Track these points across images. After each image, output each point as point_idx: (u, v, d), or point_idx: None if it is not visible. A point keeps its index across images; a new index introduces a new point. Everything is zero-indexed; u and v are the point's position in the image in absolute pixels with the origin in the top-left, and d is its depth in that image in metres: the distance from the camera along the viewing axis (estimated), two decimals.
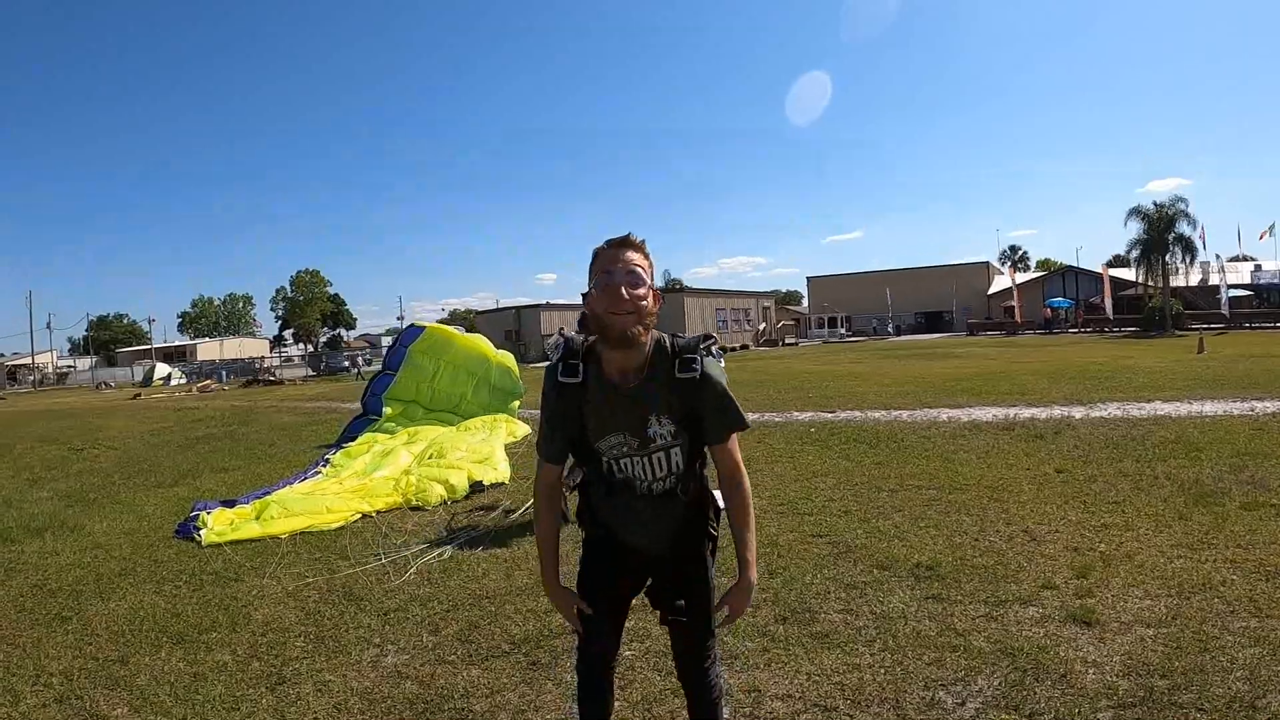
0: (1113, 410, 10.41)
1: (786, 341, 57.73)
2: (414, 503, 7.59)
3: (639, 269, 2.15)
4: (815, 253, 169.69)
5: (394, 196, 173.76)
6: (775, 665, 3.72)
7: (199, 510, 7.33)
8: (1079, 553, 4.96)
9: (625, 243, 2.18)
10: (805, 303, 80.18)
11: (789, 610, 4.33)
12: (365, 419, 11.88)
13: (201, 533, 6.73)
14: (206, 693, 3.79)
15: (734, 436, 2.37)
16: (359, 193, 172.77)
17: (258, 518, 7.08)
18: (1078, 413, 10.39)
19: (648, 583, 2.57)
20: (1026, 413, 10.68)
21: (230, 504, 7.67)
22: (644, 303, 2.14)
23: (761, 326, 59.89)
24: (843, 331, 60.95)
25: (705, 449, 2.41)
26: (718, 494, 2.47)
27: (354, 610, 4.83)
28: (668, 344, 2.27)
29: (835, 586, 4.66)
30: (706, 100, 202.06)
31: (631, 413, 2.27)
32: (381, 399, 12.04)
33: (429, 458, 9.35)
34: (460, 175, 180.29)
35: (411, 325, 13.52)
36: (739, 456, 2.38)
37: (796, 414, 12.03)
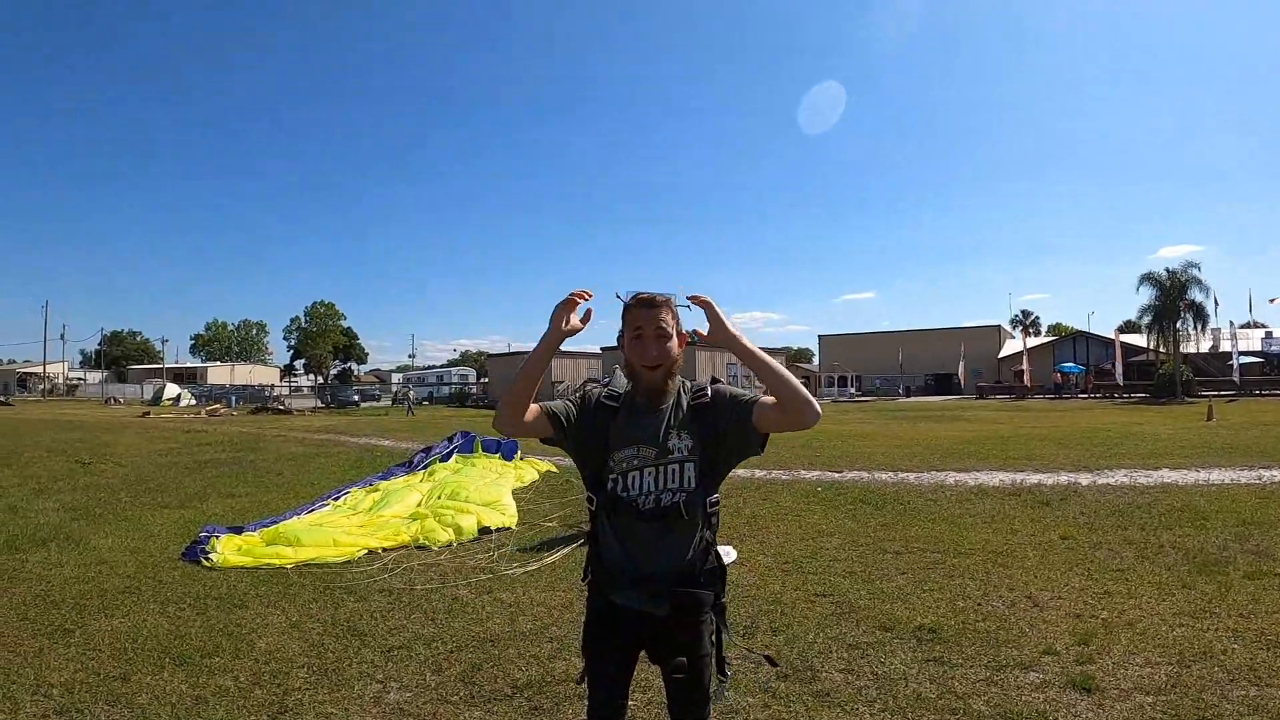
0: (1120, 477, 10.39)
1: None
2: (421, 542, 7.61)
3: (666, 326, 2.46)
4: (828, 311, 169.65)
5: (414, 235, 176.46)
6: None
7: (208, 535, 7.38)
8: (1081, 619, 4.96)
9: (654, 302, 2.48)
10: (816, 360, 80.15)
11: (791, 668, 4.34)
12: (405, 467, 11.93)
13: (211, 556, 6.77)
14: (207, 715, 3.80)
15: (759, 400, 2.47)
16: (379, 228, 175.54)
17: (267, 545, 7.12)
18: (1084, 479, 10.37)
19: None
20: (1034, 478, 10.67)
21: (238, 530, 7.72)
22: (672, 354, 2.48)
23: None
24: (852, 391, 60.81)
25: (716, 480, 2.53)
26: (725, 550, 2.53)
27: (358, 645, 4.84)
28: (687, 384, 2.59)
29: (837, 646, 4.67)
30: (724, 152, 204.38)
31: (655, 427, 2.48)
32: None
33: (438, 498, 9.39)
34: (478, 221, 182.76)
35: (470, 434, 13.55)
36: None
37: (804, 472, 12.02)
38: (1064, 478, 10.58)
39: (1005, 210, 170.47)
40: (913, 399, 52.93)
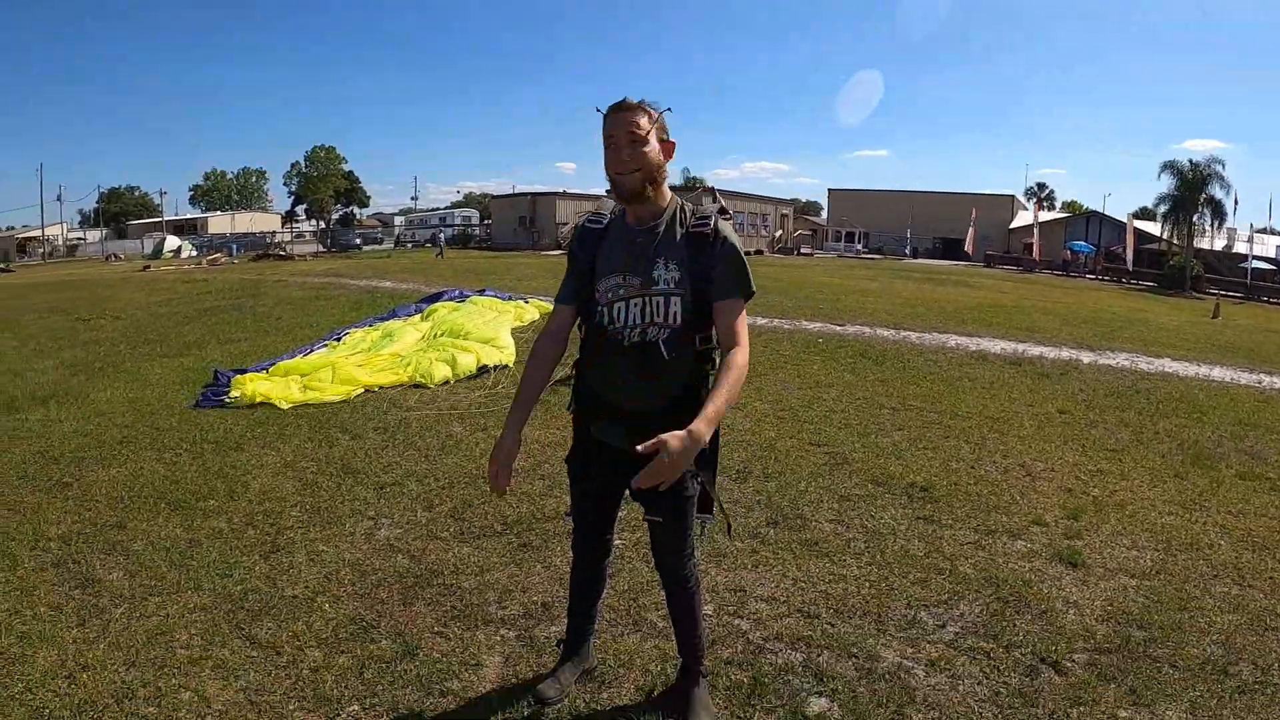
0: (1121, 360, 10.22)
1: (802, 251, 57.00)
2: (418, 380, 7.61)
3: (636, 129, 2.26)
4: (839, 166, 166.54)
5: (416, 72, 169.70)
6: (762, 568, 3.77)
7: (226, 377, 7.58)
8: (1072, 494, 4.96)
9: (623, 105, 2.29)
10: (824, 214, 78.44)
11: (781, 515, 4.38)
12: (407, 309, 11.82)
13: (233, 395, 7.01)
14: (201, 558, 3.86)
15: (741, 309, 2.34)
16: (379, 68, 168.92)
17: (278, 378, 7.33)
18: (1086, 357, 10.21)
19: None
20: (1035, 350, 10.49)
21: (241, 372, 7.77)
22: (649, 158, 2.28)
23: (778, 234, 59.00)
24: (859, 247, 60.07)
25: (709, 329, 2.36)
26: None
27: (350, 483, 4.88)
28: (688, 208, 2.41)
29: (829, 496, 4.70)
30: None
31: (641, 253, 2.35)
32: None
33: (436, 336, 9.35)
34: (483, 53, 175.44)
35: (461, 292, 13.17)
36: (742, 329, 2.32)
37: (806, 323, 11.88)
38: (1065, 353, 10.41)
39: (1030, 76, 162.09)
40: (919, 260, 52.32)
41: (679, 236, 2.34)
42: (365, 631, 3.18)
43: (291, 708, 2.70)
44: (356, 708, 2.69)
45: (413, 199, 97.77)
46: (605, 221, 2.46)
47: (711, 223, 2.33)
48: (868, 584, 3.63)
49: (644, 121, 2.27)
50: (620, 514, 2.71)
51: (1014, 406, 7.22)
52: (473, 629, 3.21)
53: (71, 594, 3.54)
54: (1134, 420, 6.96)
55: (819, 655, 3.04)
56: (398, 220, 77.40)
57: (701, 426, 2.10)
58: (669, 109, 2.34)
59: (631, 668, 2.93)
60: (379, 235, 63.57)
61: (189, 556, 3.89)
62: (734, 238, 2.36)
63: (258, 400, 6.88)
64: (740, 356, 2.27)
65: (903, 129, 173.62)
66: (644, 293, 2.33)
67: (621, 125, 2.27)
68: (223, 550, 3.95)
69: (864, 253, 58.38)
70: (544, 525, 4.18)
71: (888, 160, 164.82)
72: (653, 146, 2.29)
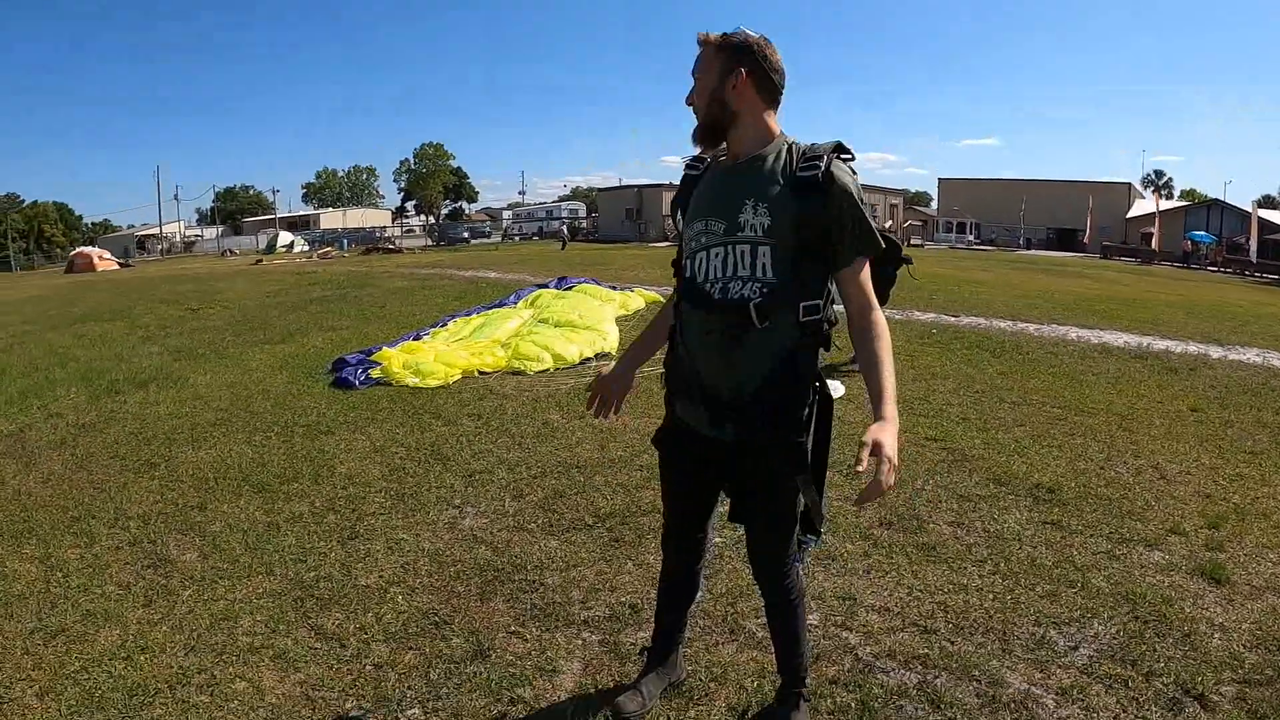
0: (1252, 355, 9.38)
1: (912, 242, 56.19)
2: (516, 366, 7.53)
3: (704, 60, 2.10)
4: (948, 155, 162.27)
5: (520, 67, 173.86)
6: (875, 573, 3.48)
7: (363, 355, 7.95)
8: (1211, 500, 4.48)
9: (698, 42, 2.13)
10: (934, 205, 77.96)
11: (895, 515, 4.07)
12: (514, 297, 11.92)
13: (372, 371, 7.35)
14: (277, 543, 3.81)
15: (865, 267, 2.04)
16: (485, 65, 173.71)
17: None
18: (1215, 352, 9.47)
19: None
20: (1160, 344, 9.89)
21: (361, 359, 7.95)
22: (723, 91, 2.06)
23: (888, 224, 58.14)
24: (971, 238, 59.10)
25: (807, 292, 2.04)
26: (833, 385, 2.11)
27: (439, 469, 4.79)
28: (798, 148, 2.08)
29: (947, 496, 4.39)
30: None
31: (730, 194, 2.07)
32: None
33: (538, 323, 9.29)
34: (589, 49, 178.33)
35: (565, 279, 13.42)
36: (871, 290, 2.03)
37: (918, 314, 11.75)
38: (1193, 348, 9.70)
39: (1145, 59, 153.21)
40: (1033, 251, 51.29)
41: (780, 177, 2.03)
42: (436, 627, 3.02)
43: (349, 705, 2.55)
44: (417, 710, 2.52)
45: (520, 193, 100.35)
46: (704, 166, 2.22)
47: (823, 163, 1.99)
48: (991, 596, 3.29)
49: (713, 51, 2.08)
50: (720, 509, 2.43)
51: (1142, 403, 6.78)
52: (552, 630, 3.00)
53: (143, 573, 3.56)
54: (1272, 421, 6.30)
55: (936, 677, 2.71)
56: (505, 215, 79.16)
57: (892, 410, 1.90)
58: (762, 37, 2.06)
59: (724, 683, 2.65)
60: (487, 229, 65.32)
61: (265, 540, 3.85)
62: (850, 182, 2.01)
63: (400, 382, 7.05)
64: (880, 320, 2.02)
65: (1011, 116, 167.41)
66: (727, 240, 2.04)
67: (699, 60, 2.11)
68: (300, 535, 3.90)
69: (975, 244, 58.00)
70: (639, 520, 3.96)
71: (998, 149, 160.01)
72: (713, 79, 2.06)
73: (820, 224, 1.98)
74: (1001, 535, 3.88)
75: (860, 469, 1.76)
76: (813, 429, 2.09)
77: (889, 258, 8.10)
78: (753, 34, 2.07)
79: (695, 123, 2.13)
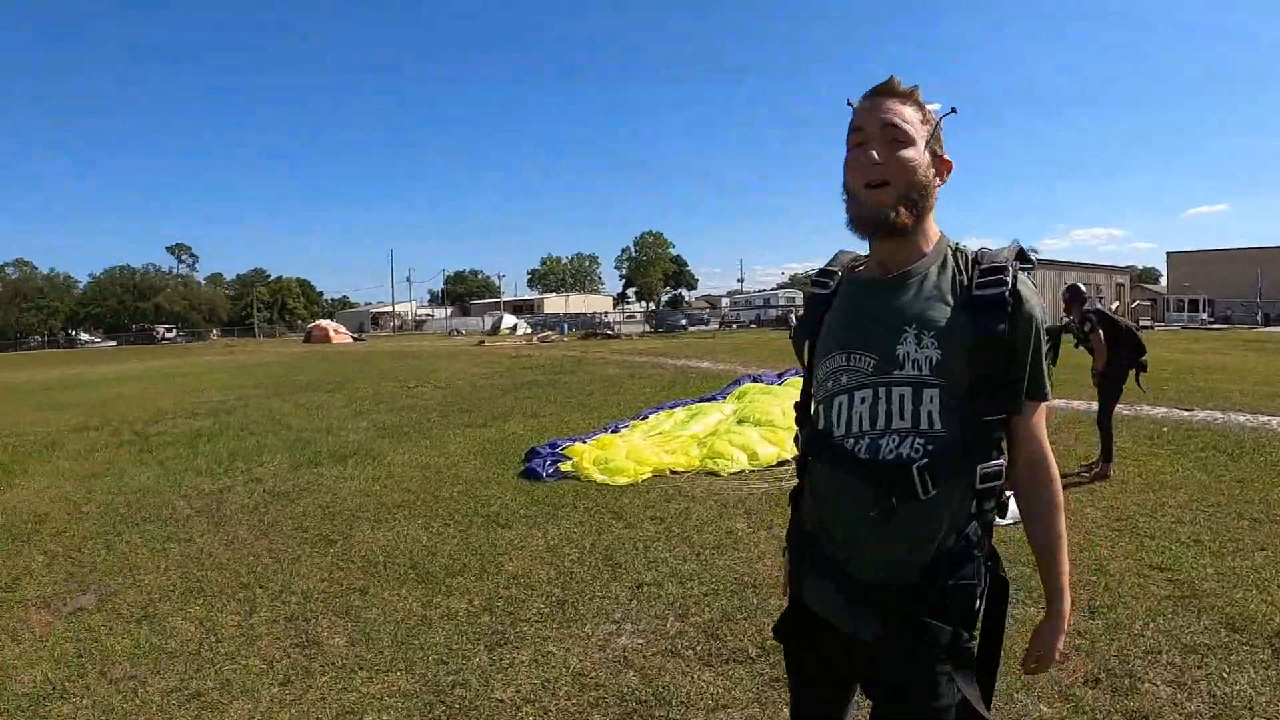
0: None
1: (1142, 323, 51.93)
2: (710, 467, 7.31)
3: (901, 122, 1.58)
4: (1175, 226, 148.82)
5: (740, 158, 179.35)
6: None
7: (551, 449, 7.96)
8: None
9: (885, 90, 1.62)
10: (1163, 281, 73.99)
11: (1104, 669, 3.41)
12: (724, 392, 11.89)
13: (561, 465, 7.43)
14: (425, 639, 3.77)
15: (1041, 411, 1.61)
16: (705, 157, 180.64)
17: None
18: None
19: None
20: None
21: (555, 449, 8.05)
22: (911, 166, 1.57)
23: (1114, 305, 54.40)
24: (1204, 316, 54.62)
25: (983, 440, 1.58)
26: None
27: (607, 577, 4.61)
28: (967, 254, 1.65)
29: (1169, 645, 3.64)
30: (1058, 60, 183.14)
31: (880, 317, 1.61)
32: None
33: (739, 421, 9.06)
34: (810, 141, 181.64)
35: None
36: (1045, 438, 1.62)
37: (1148, 408, 10.61)
38: None
39: None
40: (1271, 328, 45.92)
41: (950, 296, 1.59)
42: None
43: None
44: None
45: (739, 280, 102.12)
46: (836, 281, 1.77)
47: (1009, 278, 1.56)
48: None
49: (909, 112, 1.60)
50: (855, 710, 1.90)
51: None
52: None
53: (289, 651, 3.64)
54: None
55: None
56: (724, 301, 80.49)
57: (1064, 604, 1.65)
58: (953, 110, 1.66)
59: None
60: (705, 316, 66.77)
61: (414, 634, 3.82)
62: (1038, 305, 1.58)
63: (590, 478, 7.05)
64: (1054, 473, 1.62)
65: (1242, 177, 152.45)
66: (878, 380, 1.59)
67: (876, 113, 1.59)
68: (450, 634, 3.83)
69: (1209, 322, 53.60)
70: None
71: (1228, 215, 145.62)
72: (919, 151, 1.59)
73: (999, 358, 1.55)
74: (1230, 700, 3.16)
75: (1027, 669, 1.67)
76: (980, 620, 1.65)
77: (1133, 354, 7.33)
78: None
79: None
